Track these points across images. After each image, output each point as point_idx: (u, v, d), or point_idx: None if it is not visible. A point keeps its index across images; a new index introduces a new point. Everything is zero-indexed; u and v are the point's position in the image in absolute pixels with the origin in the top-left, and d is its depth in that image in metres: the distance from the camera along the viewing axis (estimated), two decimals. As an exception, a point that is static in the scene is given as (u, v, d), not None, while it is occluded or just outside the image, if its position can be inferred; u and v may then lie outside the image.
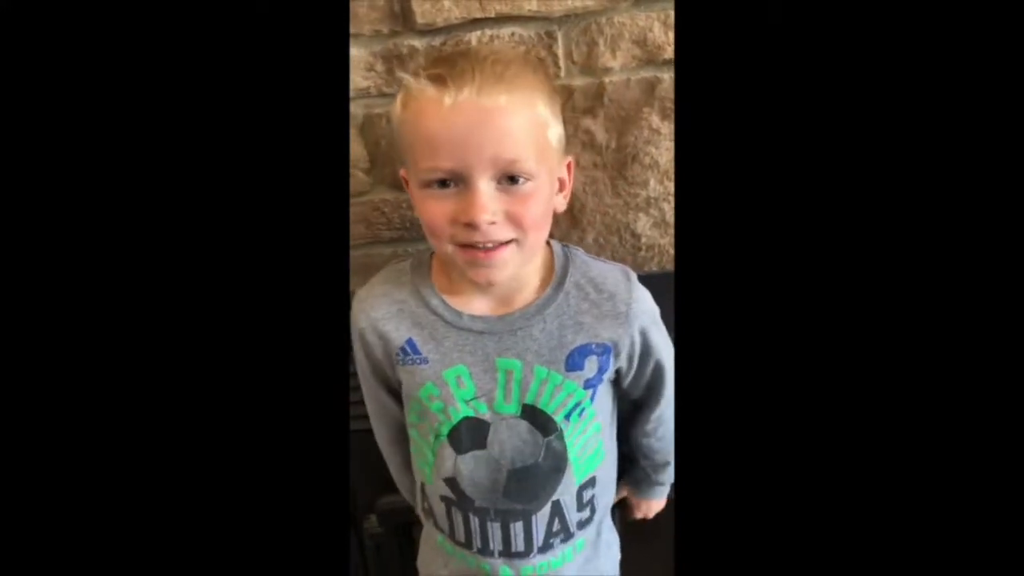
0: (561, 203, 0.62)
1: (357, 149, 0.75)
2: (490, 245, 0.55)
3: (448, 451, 0.64)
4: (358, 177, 0.76)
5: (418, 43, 0.70)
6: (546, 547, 0.66)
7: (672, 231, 0.78)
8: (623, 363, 0.64)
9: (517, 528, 0.65)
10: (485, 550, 0.66)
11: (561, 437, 0.62)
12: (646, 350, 0.64)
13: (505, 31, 0.70)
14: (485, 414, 0.62)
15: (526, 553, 0.66)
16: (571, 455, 0.63)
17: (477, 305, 0.63)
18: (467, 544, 0.67)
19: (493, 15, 0.69)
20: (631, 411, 0.70)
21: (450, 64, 0.54)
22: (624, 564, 0.76)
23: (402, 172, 0.61)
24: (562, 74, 0.72)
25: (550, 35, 0.70)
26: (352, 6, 0.69)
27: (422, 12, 0.69)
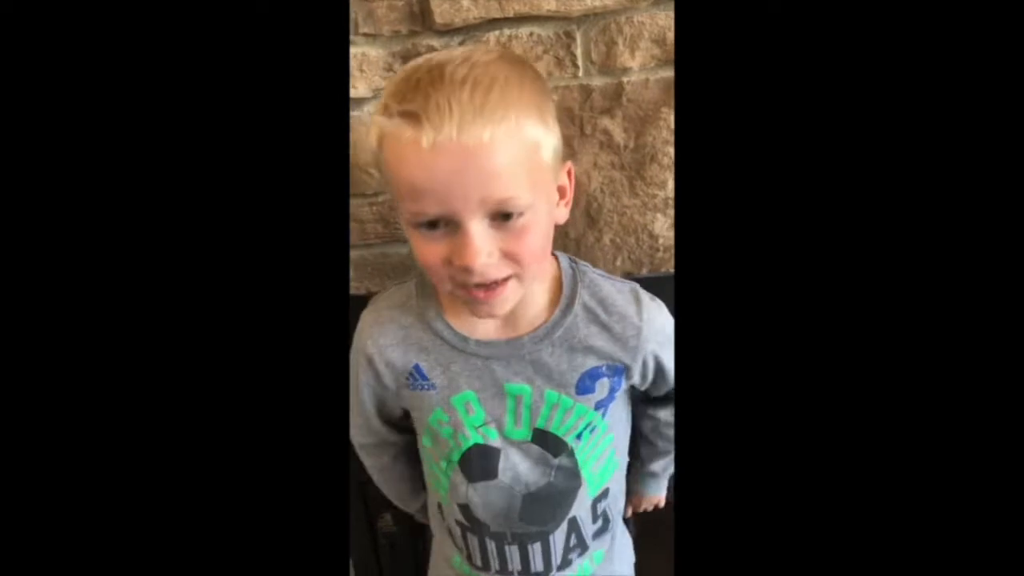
0: (563, 213, 0.57)
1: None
2: (488, 282, 0.52)
3: (460, 478, 0.63)
4: (375, 176, 0.76)
5: (436, 43, 0.70)
6: (564, 564, 0.66)
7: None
8: (636, 380, 0.63)
9: (535, 549, 0.64)
10: (504, 571, 0.66)
11: (571, 454, 0.62)
12: (659, 374, 0.63)
13: (524, 31, 0.70)
14: (495, 440, 0.61)
15: (545, 573, 0.66)
16: (585, 471, 0.63)
17: (483, 328, 0.60)
18: (485, 567, 0.66)
19: (512, 15, 0.69)
20: (642, 406, 0.70)
21: (424, 97, 0.47)
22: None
23: (392, 200, 0.58)
24: (580, 74, 0.71)
25: (569, 35, 0.70)
26: (371, 6, 0.70)
27: (441, 12, 0.68)
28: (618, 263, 0.79)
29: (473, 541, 0.66)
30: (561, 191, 0.57)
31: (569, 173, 0.58)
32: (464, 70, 0.49)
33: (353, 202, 0.78)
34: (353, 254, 0.81)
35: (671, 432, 0.69)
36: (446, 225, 0.50)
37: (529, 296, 0.59)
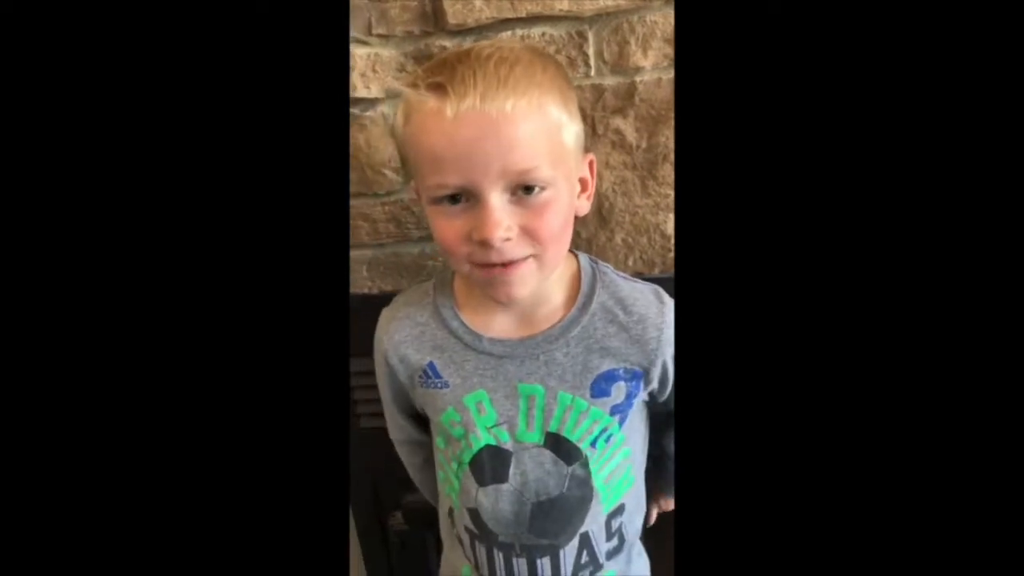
0: (584, 206, 0.58)
1: (388, 148, 0.76)
2: (507, 261, 0.52)
3: (471, 481, 0.61)
4: (388, 176, 0.77)
5: (449, 43, 0.71)
6: None
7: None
8: (655, 386, 0.61)
9: (544, 564, 0.62)
10: None
11: (585, 464, 0.59)
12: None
13: (536, 31, 0.70)
14: (507, 443, 0.60)
15: None
16: (597, 482, 0.60)
17: (498, 326, 0.60)
18: None
19: (524, 15, 0.69)
20: (665, 419, 0.68)
21: (450, 70, 0.49)
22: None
23: (413, 185, 0.58)
24: (592, 73, 0.71)
25: (581, 34, 0.70)
26: (383, 7, 0.70)
27: (453, 12, 0.69)
28: (630, 263, 0.79)
29: (481, 551, 0.64)
30: (583, 183, 0.57)
31: (591, 165, 0.58)
32: (490, 50, 0.51)
33: (366, 202, 0.78)
34: (366, 253, 0.81)
35: None
36: (467, 200, 0.51)
37: (545, 293, 0.59)
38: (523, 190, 0.50)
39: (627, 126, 0.73)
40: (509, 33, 0.70)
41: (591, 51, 0.70)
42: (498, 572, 0.64)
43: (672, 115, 0.72)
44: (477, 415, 0.60)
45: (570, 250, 0.62)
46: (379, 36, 0.71)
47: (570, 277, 0.61)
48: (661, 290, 0.61)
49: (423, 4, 0.69)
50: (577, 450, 0.59)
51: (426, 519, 0.88)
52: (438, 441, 0.65)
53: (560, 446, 0.59)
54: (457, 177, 0.50)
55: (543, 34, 0.70)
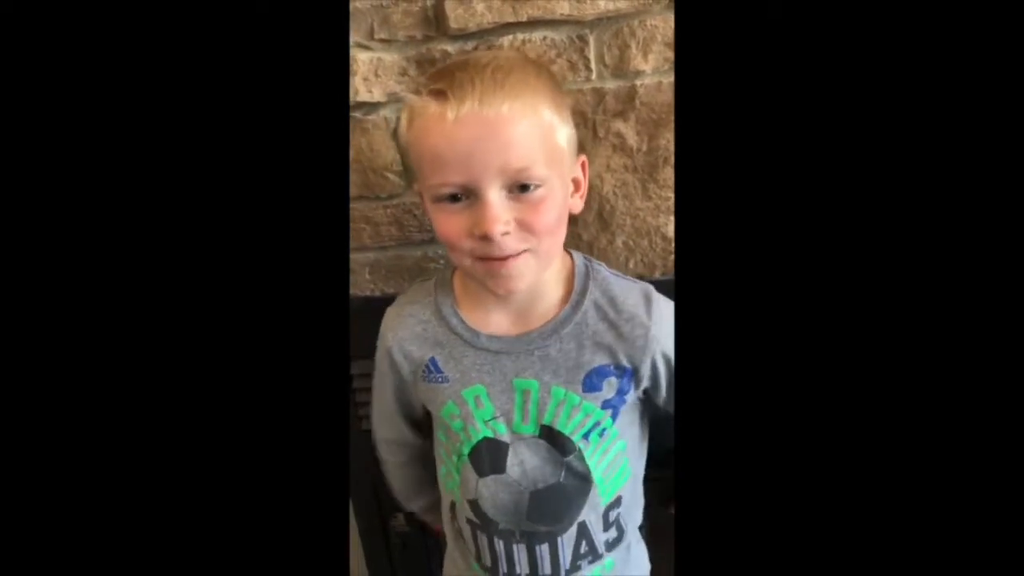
0: (577, 204, 0.60)
1: (390, 152, 0.76)
2: (506, 254, 0.54)
3: (470, 472, 0.64)
4: (391, 180, 0.77)
5: (451, 48, 0.71)
6: (574, 569, 0.65)
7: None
8: (647, 384, 0.62)
9: (543, 551, 0.64)
10: (512, 574, 0.66)
11: (581, 457, 0.61)
12: (672, 376, 0.62)
13: (537, 35, 0.70)
14: (504, 435, 0.62)
15: (553, 575, 0.65)
16: (596, 475, 0.62)
17: (496, 323, 0.62)
18: (493, 569, 0.67)
19: (525, 19, 0.69)
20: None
21: (450, 77, 0.53)
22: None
23: (416, 187, 0.61)
24: (593, 77, 0.72)
25: (582, 38, 0.70)
26: (386, 12, 0.70)
27: (455, 17, 0.69)
28: (631, 266, 0.79)
29: (483, 540, 0.66)
30: (576, 183, 0.60)
31: (583, 166, 0.61)
32: (488, 59, 0.55)
33: (369, 205, 0.79)
34: (369, 256, 0.82)
35: None
36: (467, 198, 0.54)
37: (541, 290, 0.61)
38: (519, 188, 0.53)
39: (628, 129, 0.73)
40: (511, 37, 0.70)
41: (592, 55, 0.71)
42: (499, 560, 0.66)
43: (672, 118, 0.72)
44: (475, 408, 0.62)
45: (566, 249, 0.64)
46: (381, 41, 0.72)
47: (565, 275, 0.63)
48: (652, 289, 0.63)
49: (425, 9, 0.70)
50: (571, 442, 0.61)
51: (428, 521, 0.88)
52: (439, 435, 0.67)
53: (554, 438, 0.62)
54: (458, 176, 0.53)
55: (544, 38, 0.70)
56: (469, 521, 0.66)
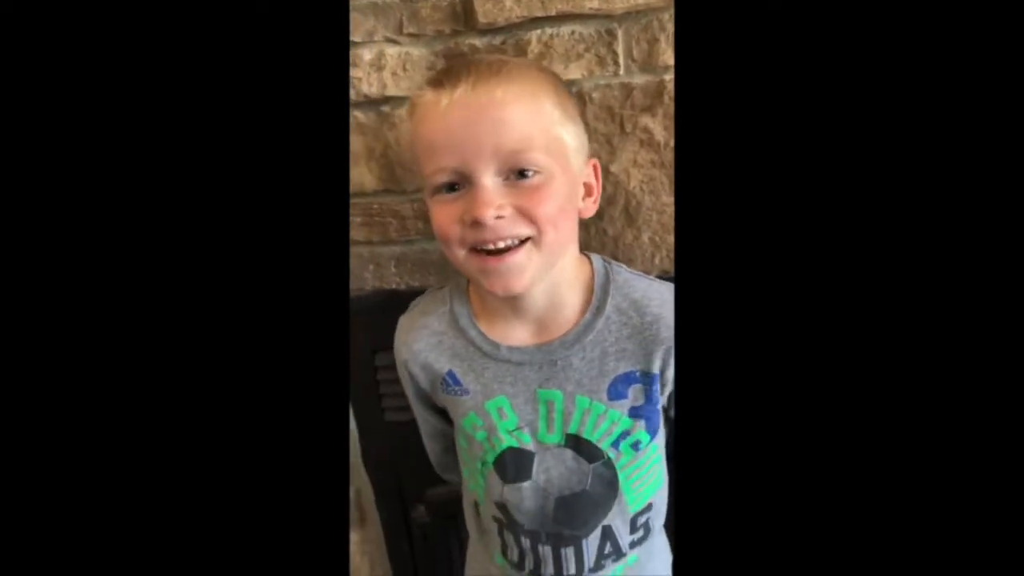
0: (590, 208, 0.59)
1: (417, 146, 0.77)
2: (501, 245, 0.52)
3: (495, 479, 0.63)
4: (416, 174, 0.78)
5: (479, 42, 0.71)
6: (598, 568, 0.65)
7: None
8: (673, 388, 0.61)
9: (568, 552, 0.64)
10: (536, 572, 0.66)
11: (610, 465, 0.60)
12: None
13: (565, 29, 0.70)
14: (529, 444, 0.61)
15: (578, 574, 0.65)
16: (626, 486, 0.62)
17: (516, 334, 0.61)
18: (519, 565, 0.67)
19: (554, 13, 0.69)
20: None
21: (448, 68, 0.54)
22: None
23: (421, 190, 0.60)
24: (621, 72, 0.71)
25: (610, 33, 0.70)
26: (414, 7, 0.71)
27: (484, 12, 0.69)
28: (656, 261, 0.79)
29: (509, 537, 0.66)
30: (588, 188, 0.59)
31: (595, 170, 0.59)
32: (492, 57, 0.56)
33: (394, 199, 0.79)
34: (395, 250, 0.82)
35: None
36: (462, 187, 0.53)
37: (560, 298, 0.59)
38: (516, 174, 0.52)
39: (655, 124, 0.73)
40: (539, 32, 0.70)
41: (620, 49, 0.70)
42: (526, 556, 0.66)
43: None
44: (499, 419, 0.61)
45: (585, 253, 0.63)
46: (410, 35, 0.72)
47: (584, 281, 0.61)
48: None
49: (454, 3, 0.70)
50: (598, 450, 0.60)
51: (449, 511, 0.89)
52: (460, 441, 0.66)
53: (581, 446, 0.60)
54: (451, 159, 0.52)
55: (572, 32, 0.70)
56: (496, 519, 0.66)
